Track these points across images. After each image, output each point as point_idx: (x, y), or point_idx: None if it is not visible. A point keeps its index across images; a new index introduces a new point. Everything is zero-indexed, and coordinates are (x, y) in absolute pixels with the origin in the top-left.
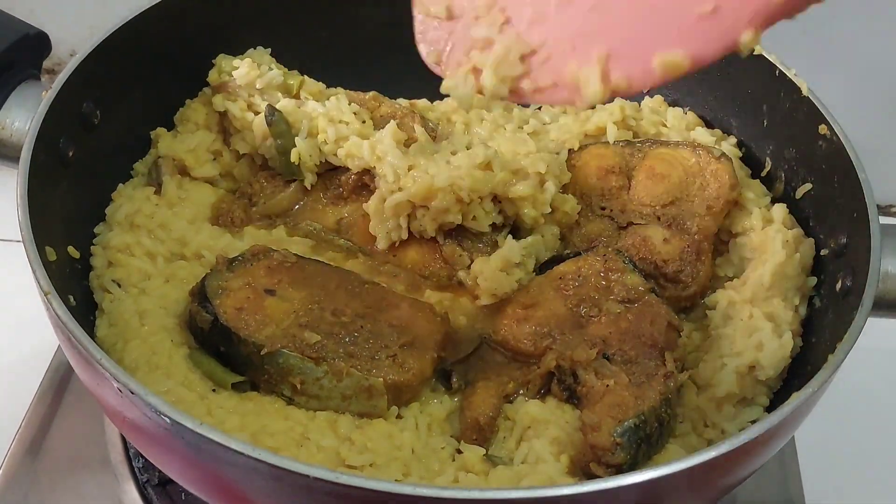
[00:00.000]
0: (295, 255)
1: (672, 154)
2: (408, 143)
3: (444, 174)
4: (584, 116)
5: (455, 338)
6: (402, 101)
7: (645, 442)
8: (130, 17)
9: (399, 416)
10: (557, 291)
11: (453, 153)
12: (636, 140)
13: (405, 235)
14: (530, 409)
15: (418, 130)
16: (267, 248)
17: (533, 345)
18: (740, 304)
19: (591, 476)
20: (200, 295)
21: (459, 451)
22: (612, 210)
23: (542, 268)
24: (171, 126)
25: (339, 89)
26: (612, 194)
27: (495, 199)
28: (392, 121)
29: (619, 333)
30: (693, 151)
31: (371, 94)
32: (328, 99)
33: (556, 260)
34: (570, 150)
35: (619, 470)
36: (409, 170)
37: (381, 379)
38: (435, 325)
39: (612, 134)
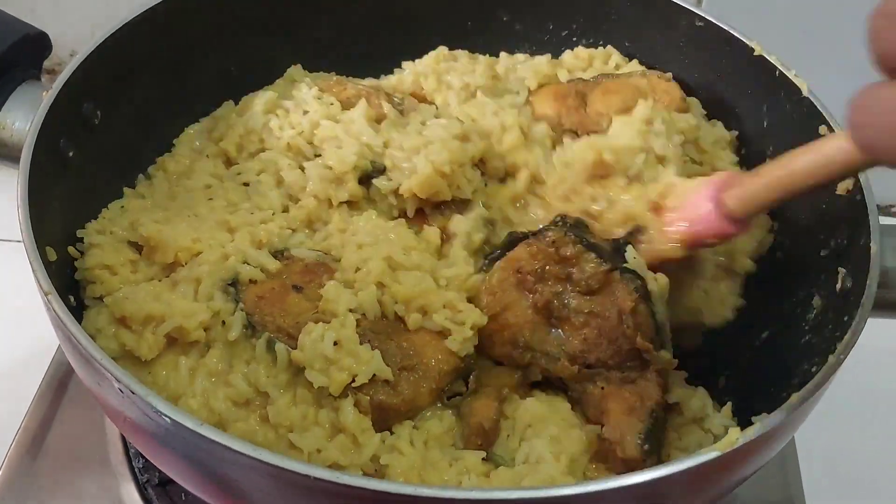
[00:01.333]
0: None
1: (623, 79)
2: (378, 120)
3: (423, 162)
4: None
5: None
6: (367, 81)
7: (662, 434)
8: (131, 17)
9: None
10: (520, 291)
11: (423, 123)
12: (589, 78)
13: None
14: (529, 406)
15: (386, 107)
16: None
17: (513, 359)
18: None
19: None
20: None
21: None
22: (570, 126)
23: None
24: (171, 125)
25: (306, 79)
26: (570, 113)
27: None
28: (362, 99)
29: (591, 341)
30: (643, 76)
31: (335, 78)
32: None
33: (512, 244)
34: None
35: None
36: (384, 146)
37: (368, 396)
38: (445, 356)
39: (564, 76)
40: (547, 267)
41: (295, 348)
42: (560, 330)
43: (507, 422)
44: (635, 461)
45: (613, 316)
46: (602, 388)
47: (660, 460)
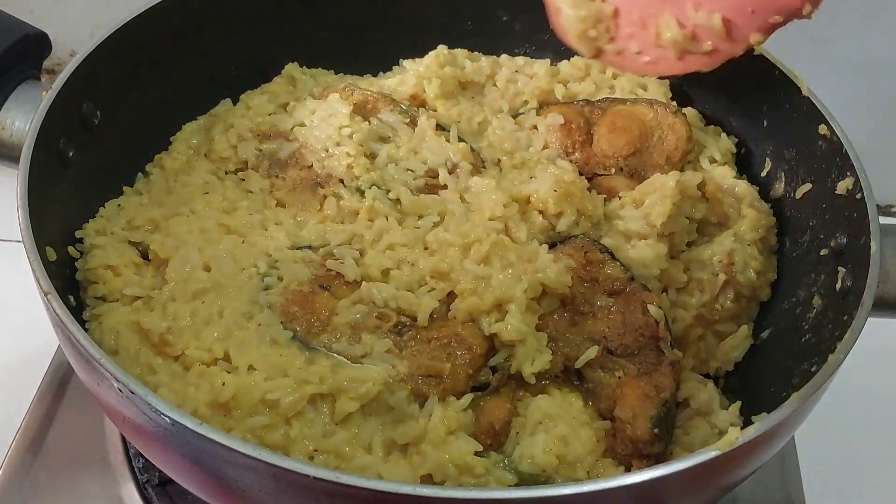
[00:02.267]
0: None
1: (630, 110)
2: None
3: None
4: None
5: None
6: (366, 79)
7: (672, 427)
8: (130, 18)
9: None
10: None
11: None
12: (594, 99)
13: None
14: (541, 403)
15: (392, 117)
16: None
17: None
18: None
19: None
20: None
21: None
22: (576, 162)
23: None
24: (171, 124)
25: (311, 79)
26: (576, 148)
27: None
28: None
29: (616, 327)
30: (650, 107)
31: (342, 84)
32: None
33: None
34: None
35: (657, 459)
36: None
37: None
38: (472, 355)
39: (560, 92)
40: (577, 273)
41: (325, 341)
42: (584, 322)
43: (519, 420)
44: (644, 442)
45: (636, 309)
46: (619, 377)
47: (665, 454)
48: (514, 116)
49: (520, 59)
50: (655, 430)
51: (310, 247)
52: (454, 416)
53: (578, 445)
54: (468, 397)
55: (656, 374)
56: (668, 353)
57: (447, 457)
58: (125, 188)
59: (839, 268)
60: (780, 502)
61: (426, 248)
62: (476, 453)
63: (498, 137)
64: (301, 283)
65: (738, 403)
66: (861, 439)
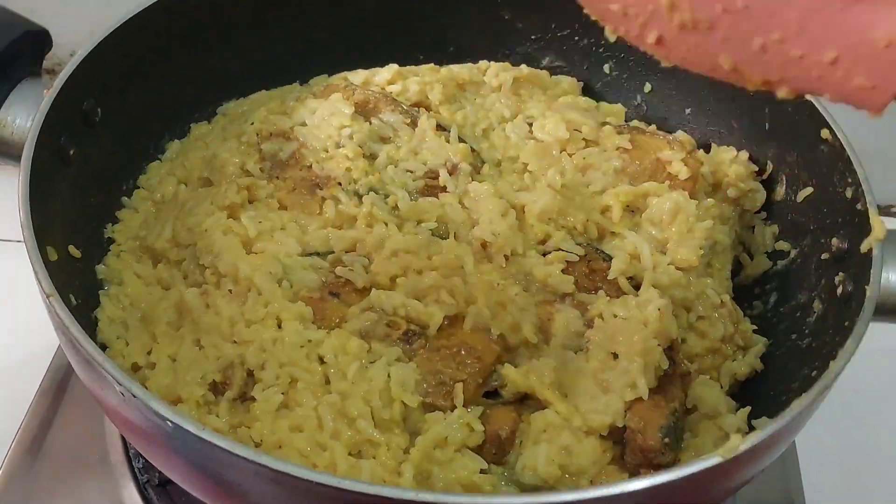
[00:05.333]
0: None
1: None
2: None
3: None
4: None
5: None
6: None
7: (681, 436)
8: (131, 15)
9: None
10: (551, 302)
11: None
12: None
13: None
14: (546, 412)
15: (393, 118)
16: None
17: None
18: None
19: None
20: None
21: None
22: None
23: None
24: (171, 121)
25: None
26: None
27: None
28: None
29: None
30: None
31: (343, 84)
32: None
33: None
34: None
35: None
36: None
37: None
38: (481, 364)
39: None
40: (577, 281)
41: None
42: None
43: (522, 427)
44: (654, 451)
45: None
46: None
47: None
48: (531, 125)
49: (525, 69)
50: (666, 440)
51: (318, 253)
52: (462, 430)
53: (582, 456)
54: (477, 410)
55: (665, 384)
56: (678, 363)
57: (454, 476)
58: (137, 189)
59: (840, 272)
60: (780, 502)
61: (430, 258)
62: (481, 470)
63: (506, 140)
64: (311, 290)
65: (748, 409)
66: (861, 439)
